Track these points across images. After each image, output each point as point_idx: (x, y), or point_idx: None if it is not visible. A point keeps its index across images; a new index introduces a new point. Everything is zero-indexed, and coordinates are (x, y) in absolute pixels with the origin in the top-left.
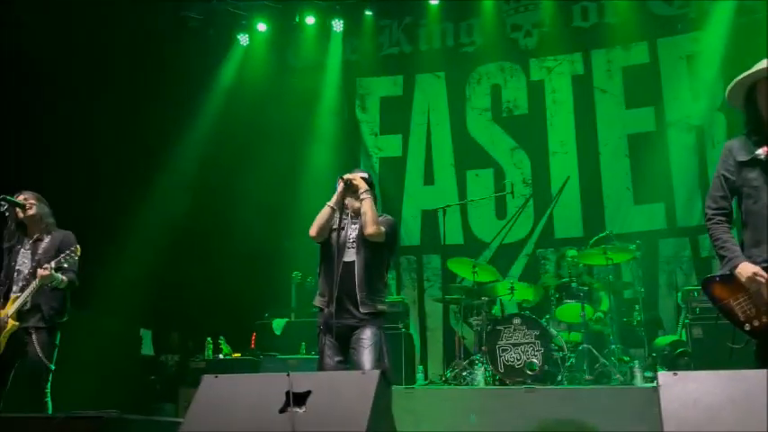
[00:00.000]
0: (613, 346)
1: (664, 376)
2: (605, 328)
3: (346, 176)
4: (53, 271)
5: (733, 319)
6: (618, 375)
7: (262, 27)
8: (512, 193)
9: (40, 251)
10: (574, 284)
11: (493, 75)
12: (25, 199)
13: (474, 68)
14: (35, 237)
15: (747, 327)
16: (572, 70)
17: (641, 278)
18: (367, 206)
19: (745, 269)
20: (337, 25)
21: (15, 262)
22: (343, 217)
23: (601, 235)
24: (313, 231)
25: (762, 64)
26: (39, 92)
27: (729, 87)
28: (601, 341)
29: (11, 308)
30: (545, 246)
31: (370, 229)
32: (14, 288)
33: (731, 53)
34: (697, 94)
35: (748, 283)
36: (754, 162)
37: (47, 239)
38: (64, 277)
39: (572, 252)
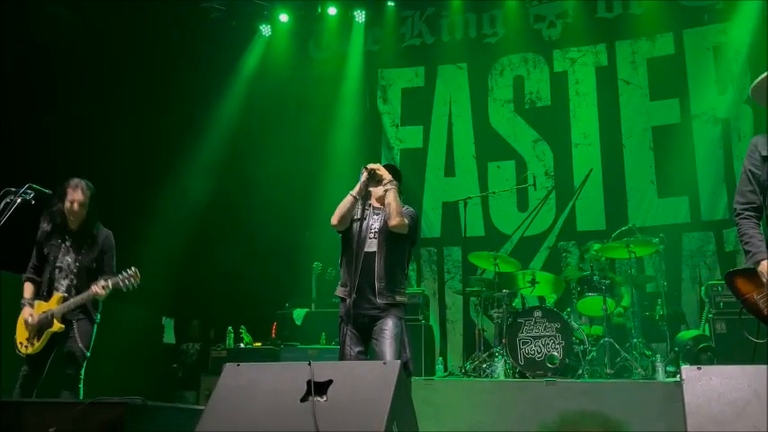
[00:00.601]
0: (635, 340)
1: (687, 371)
2: (627, 322)
3: (370, 166)
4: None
5: (757, 314)
6: (639, 369)
7: (284, 18)
8: (534, 185)
9: (84, 250)
10: (596, 278)
11: (516, 66)
12: (76, 185)
13: (497, 59)
14: (75, 231)
15: None
16: (596, 61)
17: (664, 272)
18: (391, 197)
19: (766, 267)
20: (359, 16)
21: (56, 257)
22: (366, 207)
23: (623, 228)
24: (335, 220)
25: None
26: (65, 80)
27: (754, 85)
28: (622, 335)
29: (57, 307)
30: (567, 239)
31: (394, 221)
32: (59, 286)
33: (758, 45)
34: (723, 86)
35: None
36: None
37: (89, 238)
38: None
39: (596, 246)
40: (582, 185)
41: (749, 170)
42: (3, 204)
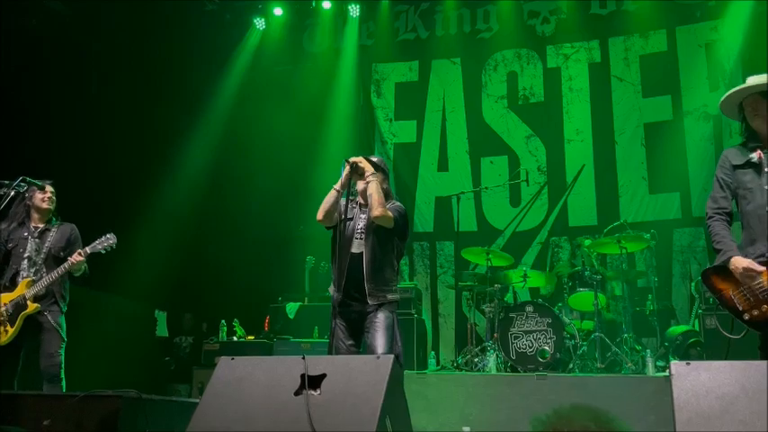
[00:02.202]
0: (626, 335)
1: (676, 366)
2: (618, 317)
3: (352, 159)
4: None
5: (732, 310)
6: (630, 364)
7: (278, 11)
8: (526, 180)
9: (49, 240)
10: (587, 273)
11: (509, 61)
12: (52, 192)
13: (490, 55)
14: (42, 226)
15: (747, 316)
16: (589, 58)
17: (655, 267)
18: (372, 188)
19: (738, 262)
20: (353, 10)
21: (24, 249)
22: (352, 206)
23: (615, 224)
24: (320, 215)
25: (750, 81)
26: (60, 74)
27: (721, 101)
28: (613, 330)
29: (29, 290)
30: (559, 234)
31: (376, 212)
32: (24, 273)
33: (751, 42)
34: (715, 83)
35: (741, 277)
36: (748, 165)
37: (54, 230)
38: (85, 266)
39: (587, 241)
40: (574, 181)
41: (721, 178)
42: None
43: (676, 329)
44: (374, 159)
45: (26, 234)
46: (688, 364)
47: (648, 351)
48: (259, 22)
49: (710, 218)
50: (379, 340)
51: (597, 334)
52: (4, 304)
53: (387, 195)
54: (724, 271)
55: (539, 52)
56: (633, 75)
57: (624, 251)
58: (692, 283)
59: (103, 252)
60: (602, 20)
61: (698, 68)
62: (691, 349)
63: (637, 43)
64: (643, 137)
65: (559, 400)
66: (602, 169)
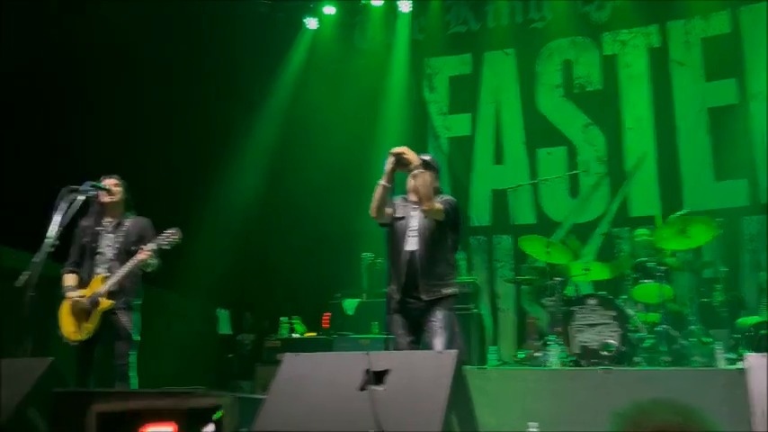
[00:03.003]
0: (693, 327)
1: (752, 358)
2: (684, 309)
3: (396, 150)
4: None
5: None
6: (698, 357)
7: (329, 10)
8: (585, 171)
9: (123, 235)
10: (651, 264)
11: (564, 50)
12: (114, 184)
13: (544, 44)
14: (116, 221)
15: None
16: (647, 43)
17: (723, 257)
18: (419, 182)
19: None
20: (404, 5)
21: (98, 244)
22: (404, 205)
23: (679, 213)
24: (372, 211)
25: None
26: (118, 79)
27: None
28: (680, 322)
29: (102, 287)
30: (620, 225)
31: (425, 205)
32: (98, 270)
33: None
34: None
35: None
36: None
37: (127, 224)
38: (157, 260)
39: (649, 231)
40: (635, 170)
41: None
42: (68, 203)
43: (747, 320)
44: (427, 158)
45: (100, 230)
46: (764, 356)
47: (718, 343)
48: (311, 22)
49: None
50: (437, 339)
51: (663, 326)
52: (86, 298)
53: (435, 192)
54: None
55: (594, 39)
56: (695, 58)
57: (690, 241)
58: (763, 273)
59: (168, 248)
60: (660, 3)
61: (764, 49)
62: (763, 340)
63: (698, 26)
64: (707, 122)
65: (626, 395)
66: (664, 157)
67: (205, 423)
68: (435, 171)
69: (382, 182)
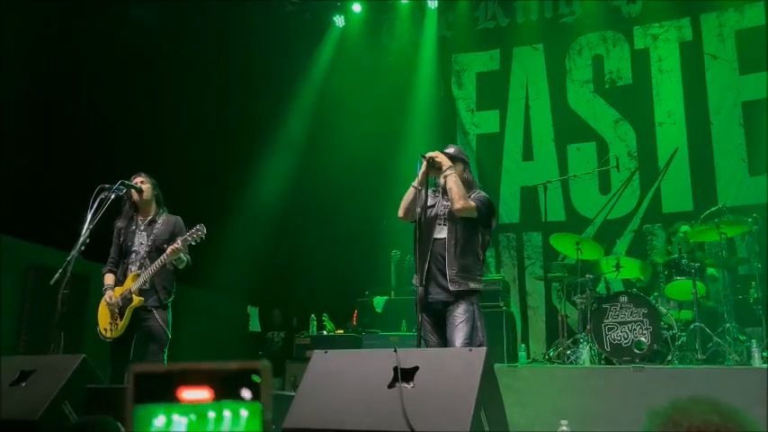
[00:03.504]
0: (728, 325)
1: None
2: (719, 306)
3: (428, 155)
4: (182, 247)
5: None
6: (733, 355)
7: (357, 8)
8: (616, 166)
9: (155, 232)
10: (684, 261)
11: (594, 45)
12: (141, 182)
13: (574, 39)
14: (148, 219)
15: None
16: (679, 37)
17: (758, 253)
18: (451, 182)
19: None
20: (432, 2)
21: (132, 242)
22: (436, 194)
23: (713, 209)
24: (401, 213)
25: None
26: (149, 79)
27: None
28: (714, 319)
29: (133, 284)
30: (652, 221)
31: (457, 205)
32: (132, 267)
33: None
34: None
35: None
36: None
37: (159, 221)
38: (185, 257)
39: (684, 227)
40: (667, 165)
41: None
42: (99, 201)
43: None
44: (450, 151)
45: (134, 228)
46: None
47: (754, 341)
48: (339, 20)
49: None
50: (457, 334)
51: (697, 324)
52: (115, 298)
53: (469, 185)
54: None
55: (625, 34)
56: (728, 51)
57: (723, 237)
58: None
59: (194, 243)
60: None
61: None
62: None
63: (732, 18)
64: (741, 116)
65: (659, 393)
66: (697, 152)
67: (242, 387)
68: (464, 163)
69: (414, 185)
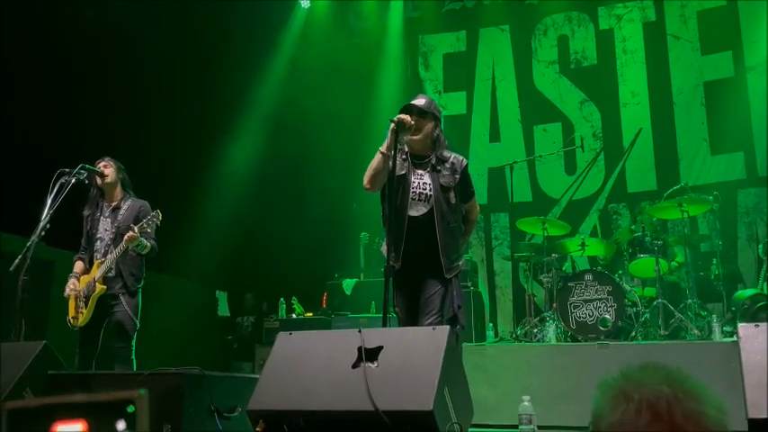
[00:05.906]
0: (690, 301)
1: (744, 328)
2: (681, 283)
3: (397, 117)
4: (138, 234)
5: None
6: (695, 330)
7: None
8: (581, 147)
9: (119, 218)
10: (647, 239)
11: (559, 25)
12: (105, 165)
13: (540, 20)
14: (113, 204)
15: None
16: (643, 17)
17: (719, 231)
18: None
19: None
20: None
21: (96, 229)
22: (402, 158)
23: (676, 187)
24: (366, 182)
25: None
26: (114, 61)
27: None
28: (677, 296)
29: (97, 272)
30: (617, 200)
31: (471, 226)
32: (98, 255)
33: None
34: None
35: None
36: None
37: (125, 207)
38: (148, 243)
39: (647, 206)
40: (631, 145)
41: None
42: (58, 185)
43: (744, 293)
44: (421, 103)
45: (98, 215)
46: (757, 326)
47: (714, 316)
48: (304, 2)
49: None
50: (436, 297)
51: (660, 300)
52: (81, 286)
53: (440, 144)
54: None
55: (590, 14)
56: (690, 32)
57: (686, 215)
58: (760, 246)
59: (149, 230)
60: None
61: (760, 21)
62: (760, 313)
63: None
64: (703, 96)
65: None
66: (661, 132)
67: (117, 419)
68: (435, 119)
69: (382, 149)
